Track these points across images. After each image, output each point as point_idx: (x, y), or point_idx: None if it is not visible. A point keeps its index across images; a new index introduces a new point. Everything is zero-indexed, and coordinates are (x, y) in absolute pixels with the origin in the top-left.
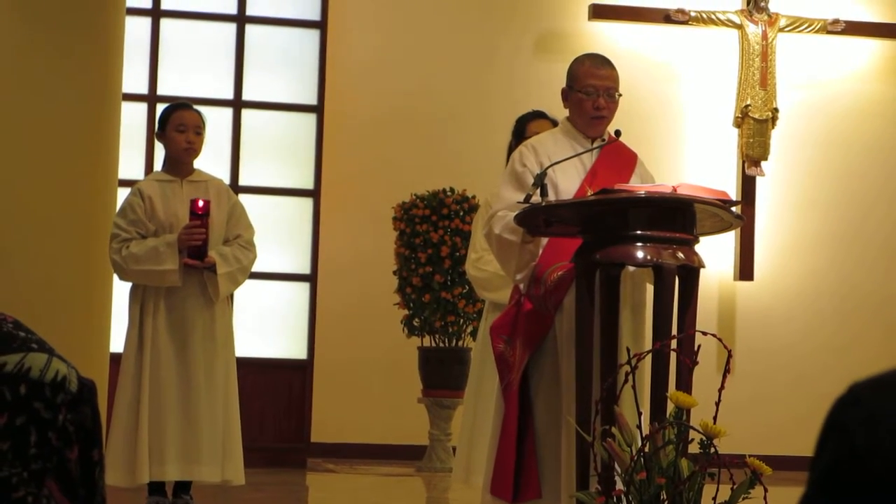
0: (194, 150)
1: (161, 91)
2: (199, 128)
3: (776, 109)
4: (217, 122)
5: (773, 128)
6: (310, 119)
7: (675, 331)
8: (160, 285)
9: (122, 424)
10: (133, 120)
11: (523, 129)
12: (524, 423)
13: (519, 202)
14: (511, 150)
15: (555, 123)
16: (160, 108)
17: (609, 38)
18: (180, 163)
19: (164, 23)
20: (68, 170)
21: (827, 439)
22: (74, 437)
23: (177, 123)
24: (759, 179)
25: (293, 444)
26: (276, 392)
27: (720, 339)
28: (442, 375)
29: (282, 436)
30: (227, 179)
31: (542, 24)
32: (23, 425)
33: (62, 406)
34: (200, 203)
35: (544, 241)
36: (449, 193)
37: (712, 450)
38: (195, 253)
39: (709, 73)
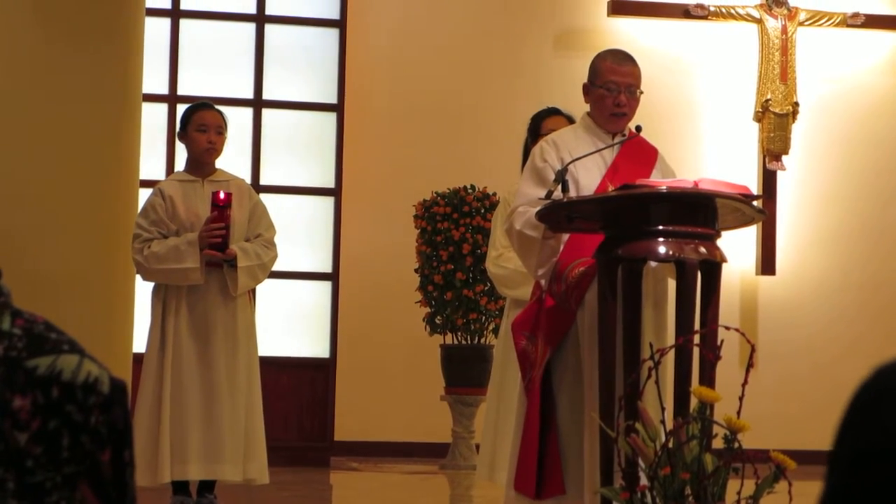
0: (216, 150)
1: (181, 91)
2: (220, 128)
3: (797, 104)
4: (237, 121)
5: (793, 122)
6: (330, 118)
7: (697, 325)
8: (182, 284)
9: (145, 424)
10: (154, 120)
11: (538, 126)
12: (547, 419)
13: (540, 198)
14: (527, 147)
15: (570, 120)
16: (181, 108)
17: (628, 34)
18: (202, 163)
19: (184, 23)
20: (89, 171)
21: (854, 424)
22: (107, 438)
23: (198, 123)
24: (780, 174)
25: (316, 443)
26: (298, 391)
27: (743, 334)
28: (464, 373)
29: (305, 434)
30: (248, 179)
31: (561, 21)
32: (56, 429)
33: (94, 408)
34: (222, 195)
35: (565, 237)
36: (469, 191)
37: (736, 444)
38: (216, 246)
39: (728, 67)
